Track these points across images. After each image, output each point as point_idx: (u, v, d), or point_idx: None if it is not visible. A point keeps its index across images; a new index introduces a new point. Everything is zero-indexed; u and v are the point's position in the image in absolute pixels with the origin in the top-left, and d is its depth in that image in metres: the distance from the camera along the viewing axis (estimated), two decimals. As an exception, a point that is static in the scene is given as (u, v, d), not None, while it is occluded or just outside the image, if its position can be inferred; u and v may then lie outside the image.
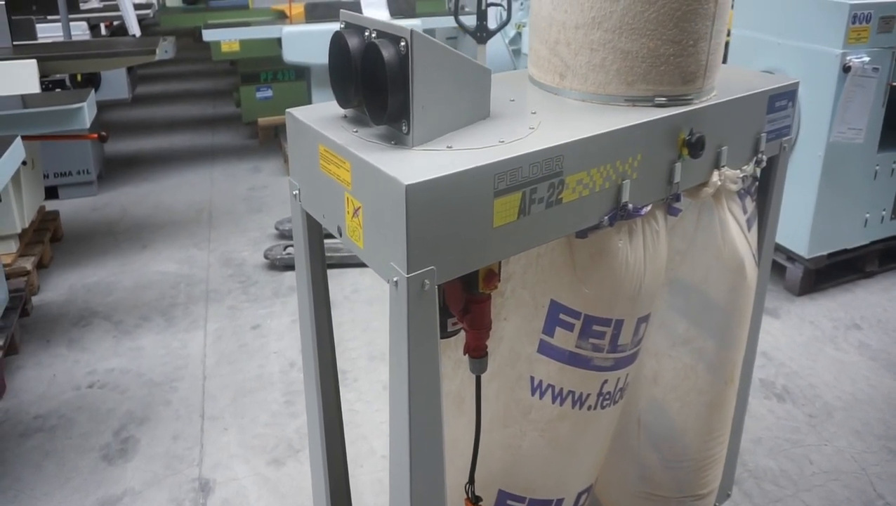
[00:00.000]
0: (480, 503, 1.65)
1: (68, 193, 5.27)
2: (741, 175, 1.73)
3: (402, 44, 1.18)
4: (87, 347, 3.45)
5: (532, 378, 1.70)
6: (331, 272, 1.65)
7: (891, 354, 3.43)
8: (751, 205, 1.88)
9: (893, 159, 3.87)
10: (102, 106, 5.93)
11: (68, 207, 5.05)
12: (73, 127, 4.94)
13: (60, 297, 3.91)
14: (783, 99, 1.80)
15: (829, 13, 3.43)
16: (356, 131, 1.32)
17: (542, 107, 1.50)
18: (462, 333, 1.54)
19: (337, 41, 1.32)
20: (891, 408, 3.05)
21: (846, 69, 3.41)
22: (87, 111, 5.06)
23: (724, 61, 1.77)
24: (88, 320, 3.69)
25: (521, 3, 5.84)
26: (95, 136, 4.21)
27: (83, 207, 5.13)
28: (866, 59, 3.39)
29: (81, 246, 4.51)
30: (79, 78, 5.59)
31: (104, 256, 4.39)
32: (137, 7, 6.35)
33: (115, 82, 6.24)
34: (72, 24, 5.60)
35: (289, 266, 4.16)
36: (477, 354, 1.52)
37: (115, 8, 6.29)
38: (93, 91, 4.52)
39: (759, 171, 1.81)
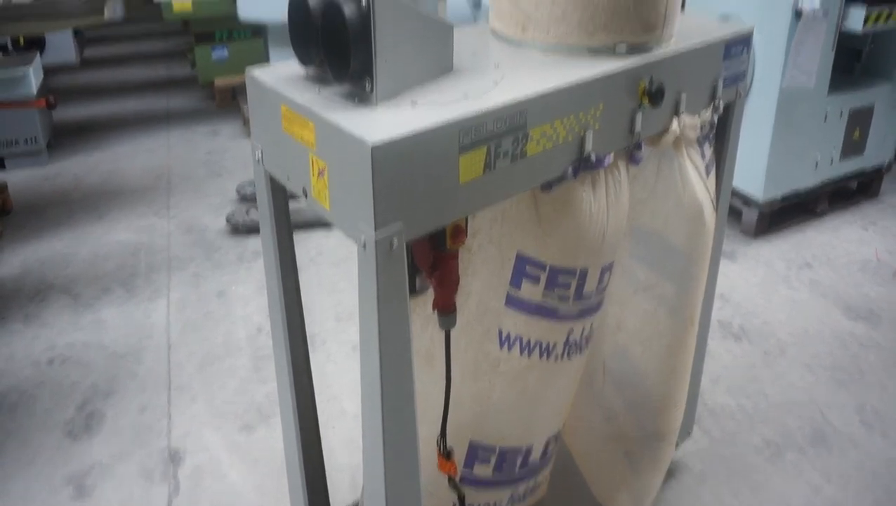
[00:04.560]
0: (452, 456, 1.68)
1: (16, 163, 5.11)
2: (699, 122, 1.75)
3: (363, 0, 1.17)
4: (45, 322, 3.39)
5: (500, 331, 1.72)
6: (295, 235, 1.64)
7: (838, 290, 3.55)
8: (709, 151, 1.91)
9: (843, 102, 3.95)
10: (49, 70, 5.74)
11: (17, 178, 4.90)
12: (19, 94, 4.79)
13: (13, 271, 3.82)
14: (739, 45, 1.82)
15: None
16: (318, 90, 1.31)
17: (505, 60, 1.50)
18: (430, 290, 1.55)
19: (295, -1, 1.30)
20: (838, 341, 3.17)
21: (798, 14, 3.45)
22: (32, 77, 4.90)
23: (683, 7, 1.78)
24: (45, 294, 3.62)
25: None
26: (43, 102, 4.08)
27: (33, 178, 4.99)
28: (817, 3, 3.43)
29: (33, 218, 4.40)
30: (21, 41, 5.37)
31: (58, 227, 4.29)
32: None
33: (62, 45, 6.01)
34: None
35: (252, 230, 4.12)
36: (446, 310, 1.54)
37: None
38: (38, 55, 4.37)
39: (716, 117, 1.84)
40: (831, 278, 3.65)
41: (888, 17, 3.68)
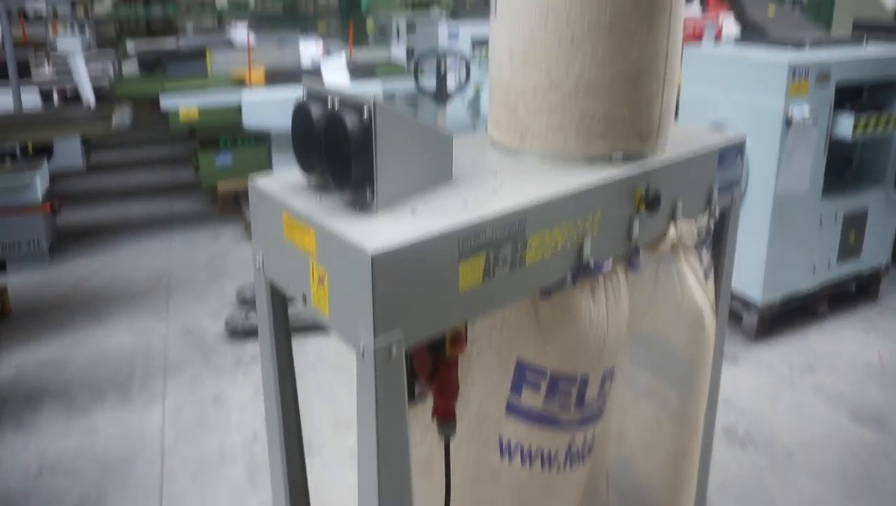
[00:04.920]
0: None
1: (17, 266, 5.13)
2: (696, 228, 1.77)
3: (365, 112, 1.20)
4: (37, 429, 3.32)
5: (501, 439, 1.69)
6: (294, 339, 1.63)
7: (844, 394, 3.49)
8: (706, 256, 1.92)
9: (836, 206, 4.01)
10: (55, 175, 5.84)
11: (18, 282, 4.91)
12: (25, 199, 4.85)
13: (8, 376, 3.77)
14: (732, 153, 1.86)
15: (771, 69, 3.59)
16: (320, 198, 1.33)
17: (504, 168, 1.53)
18: (430, 398, 1.53)
19: (300, 110, 1.34)
20: (847, 448, 3.10)
21: (789, 122, 3.55)
22: (38, 183, 4.98)
23: (676, 116, 1.83)
24: (39, 400, 3.56)
25: (479, 64, 5.96)
26: (48, 207, 4.13)
27: (34, 281, 5.00)
28: (806, 111, 3.53)
29: (32, 322, 4.38)
30: (30, 148, 5.49)
31: (56, 331, 4.27)
32: (93, 77, 6.30)
33: (69, 151, 6.13)
34: (23, 91, 5.52)
35: (251, 334, 4.09)
36: (445, 418, 1.51)
37: (68, 73, 6.23)
38: (45, 162, 4.45)
39: (712, 223, 1.86)
40: (836, 382, 3.60)
41: (876, 124, 3.78)
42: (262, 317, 1.58)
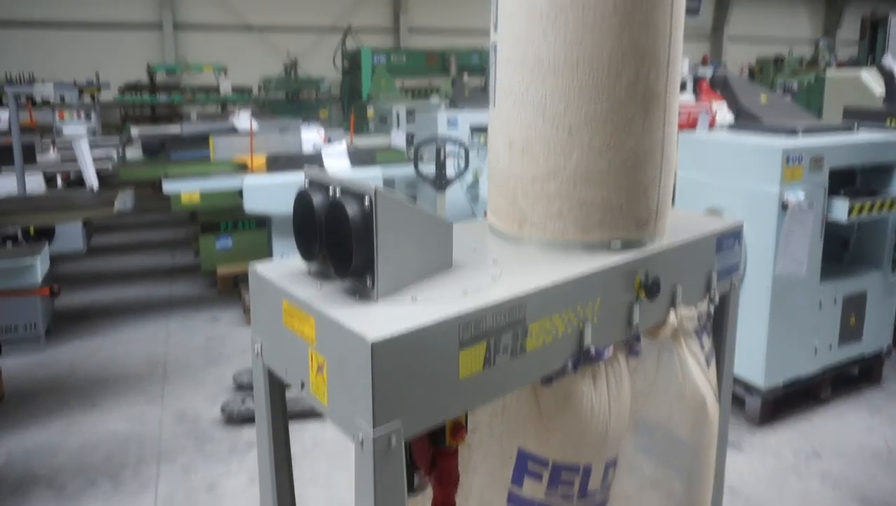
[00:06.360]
0: None
1: (13, 349, 5.07)
2: (696, 313, 1.77)
3: (367, 200, 1.21)
4: (26, 517, 3.23)
5: (503, 531, 1.64)
6: (291, 425, 1.60)
7: (851, 480, 3.42)
8: (707, 342, 1.91)
9: (835, 289, 4.01)
10: (55, 258, 5.86)
11: (12, 365, 4.85)
12: (24, 283, 4.85)
13: (-2, 463, 3.70)
14: (730, 239, 1.87)
15: (766, 155, 3.65)
16: (320, 286, 1.33)
17: (503, 255, 1.54)
18: (429, 488, 1.49)
19: (301, 198, 1.35)
20: (859, 537, 3.02)
21: (785, 206, 3.59)
22: (39, 267, 4.98)
23: (673, 201, 1.85)
24: (27, 488, 3.47)
25: (478, 151, 6.07)
26: (47, 291, 4.13)
27: (28, 365, 4.94)
28: (801, 195, 3.58)
29: (24, 406, 4.31)
30: (31, 231, 5.53)
31: (49, 416, 4.20)
32: (96, 160, 6.39)
33: (70, 234, 6.17)
34: (27, 175, 5.58)
35: (247, 420, 4.02)
36: (446, 510, 1.47)
37: (73, 158, 6.32)
38: (46, 245, 4.48)
39: (712, 308, 1.85)
40: (843, 468, 3.53)
41: (871, 207, 3.82)
42: (259, 404, 1.56)
